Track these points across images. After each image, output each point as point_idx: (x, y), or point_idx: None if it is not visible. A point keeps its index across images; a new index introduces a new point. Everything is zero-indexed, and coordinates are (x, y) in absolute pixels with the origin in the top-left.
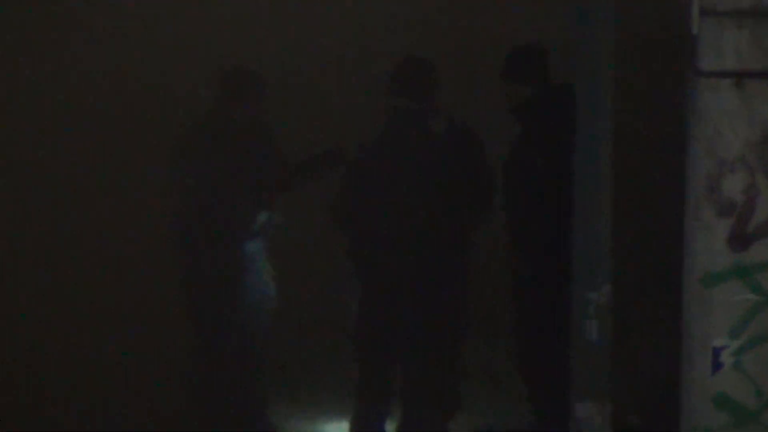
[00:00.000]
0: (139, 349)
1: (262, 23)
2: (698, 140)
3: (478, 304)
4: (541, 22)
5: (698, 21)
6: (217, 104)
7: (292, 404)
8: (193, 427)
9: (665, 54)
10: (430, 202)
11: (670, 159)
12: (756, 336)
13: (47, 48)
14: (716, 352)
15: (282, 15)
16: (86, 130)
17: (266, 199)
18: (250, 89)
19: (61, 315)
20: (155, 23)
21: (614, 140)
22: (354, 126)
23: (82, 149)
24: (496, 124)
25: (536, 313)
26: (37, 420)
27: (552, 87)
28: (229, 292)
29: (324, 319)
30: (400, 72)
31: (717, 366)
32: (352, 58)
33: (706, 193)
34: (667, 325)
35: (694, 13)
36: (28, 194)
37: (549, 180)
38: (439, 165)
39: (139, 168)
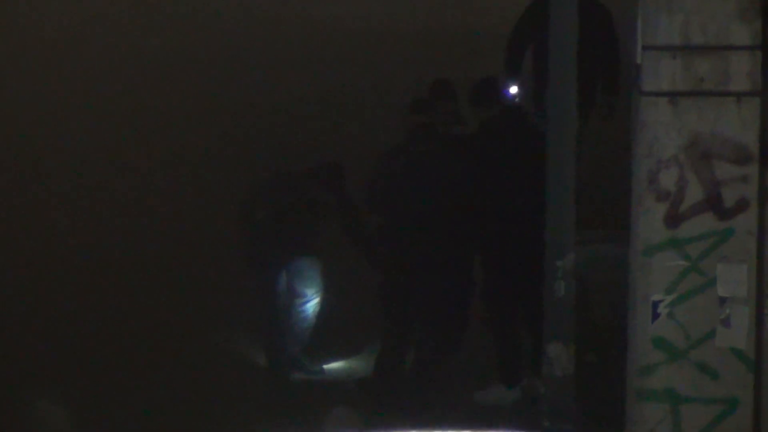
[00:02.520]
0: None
1: None
2: (641, 144)
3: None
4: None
5: (641, 53)
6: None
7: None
8: None
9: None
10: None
11: (621, 158)
12: (685, 292)
13: None
14: (655, 304)
15: None
16: None
17: None
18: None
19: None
20: None
21: (578, 144)
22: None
23: None
24: None
25: (516, 277)
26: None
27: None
28: None
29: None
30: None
31: (655, 315)
32: None
33: (647, 184)
34: (617, 284)
35: (638, 48)
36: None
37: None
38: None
39: None
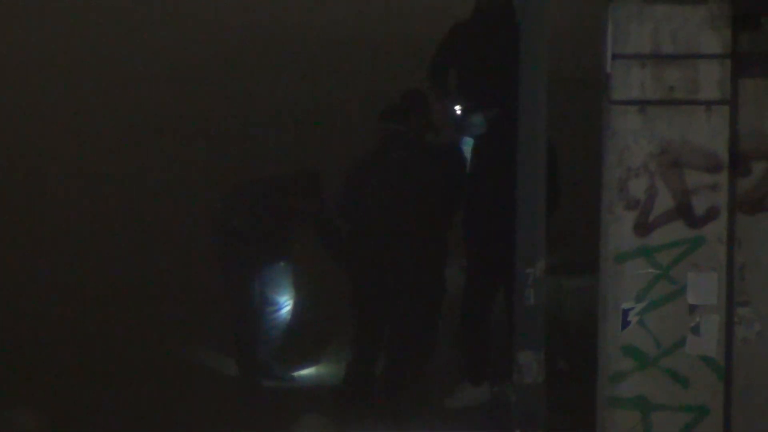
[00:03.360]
0: None
1: None
2: (611, 152)
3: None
4: None
5: (611, 62)
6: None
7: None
8: None
9: (587, 87)
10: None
11: (591, 167)
12: (655, 300)
13: None
14: (625, 312)
15: None
16: None
17: None
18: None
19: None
20: None
21: (548, 153)
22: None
23: None
24: None
25: (487, 283)
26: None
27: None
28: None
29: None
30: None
31: (626, 323)
32: None
33: (618, 193)
34: (587, 292)
35: (608, 56)
36: None
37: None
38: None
39: None
